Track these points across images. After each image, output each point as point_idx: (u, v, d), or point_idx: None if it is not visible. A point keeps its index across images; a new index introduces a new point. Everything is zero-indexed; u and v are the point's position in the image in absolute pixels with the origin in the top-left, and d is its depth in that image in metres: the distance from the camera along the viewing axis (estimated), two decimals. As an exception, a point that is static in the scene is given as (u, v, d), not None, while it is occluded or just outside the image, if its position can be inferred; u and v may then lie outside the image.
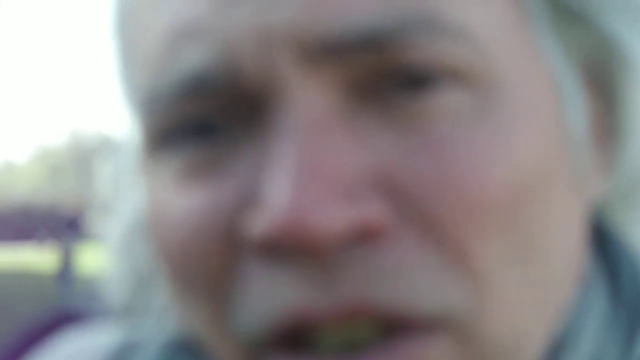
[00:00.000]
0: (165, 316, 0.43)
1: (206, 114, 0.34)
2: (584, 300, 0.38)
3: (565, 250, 0.36)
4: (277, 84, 0.32)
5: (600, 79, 0.38)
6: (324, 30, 0.32)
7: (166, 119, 0.35)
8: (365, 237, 0.31)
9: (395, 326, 0.32)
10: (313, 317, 0.32)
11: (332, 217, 0.30)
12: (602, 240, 0.40)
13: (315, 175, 0.31)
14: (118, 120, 0.43)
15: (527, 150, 0.33)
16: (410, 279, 0.32)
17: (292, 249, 0.31)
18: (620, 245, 0.40)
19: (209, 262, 0.34)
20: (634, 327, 0.38)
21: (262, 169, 0.32)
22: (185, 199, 0.35)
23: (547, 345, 0.36)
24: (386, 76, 0.32)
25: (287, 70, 0.32)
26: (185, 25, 0.34)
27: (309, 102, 0.32)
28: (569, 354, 0.37)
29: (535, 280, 0.34)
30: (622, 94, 0.38)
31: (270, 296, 0.32)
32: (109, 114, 0.46)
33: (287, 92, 0.32)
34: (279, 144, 0.32)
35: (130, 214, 0.43)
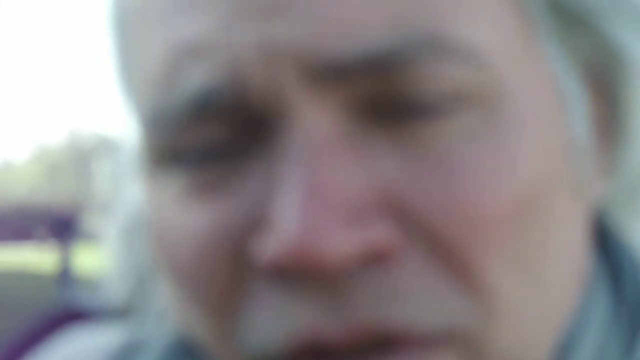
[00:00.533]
0: (167, 314, 0.43)
1: (212, 133, 0.34)
2: (586, 302, 0.39)
3: (570, 256, 0.36)
4: (283, 104, 0.32)
5: (602, 82, 0.38)
6: (331, 51, 0.32)
7: (172, 138, 0.35)
8: (373, 260, 0.32)
9: (406, 343, 0.32)
10: (324, 340, 0.32)
11: (341, 242, 0.31)
12: (604, 240, 0.41)
13: (322, 199, 0.31)
14: (116, 120, 0.43)
15: (533, 164, 0.34)
16: (418, 299, 0.32)
17: (301, 273, 0.31)
18: (621, 245, 0.41)
19: (216, 280, 0.34)
20: (636, 327, 0.39)
21: (269, 192, 0.32)
22: (192, 216, 0.35)
23: (551, 348, 0.37)
24: (393, 99, 0.32)
25: (293, 91, 0.32)
26: (188, 44, 0.33)
27: (315, 124, 0.32)
28: (572, 355, 0.37)
29: (541, 291, 0.35)
30: (624, 97, 0.38)
31: (280, 316, 0.33)
32: (107, 114, 0.46)
33: (293, 114, 0.32)
34: (286, 167, 0.32)
35: (129, 212, 0.43)
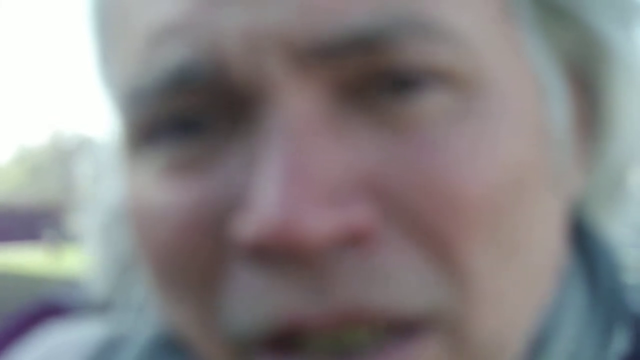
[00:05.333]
0: (148, 308, 0.43)
1: (192, 111, 0.34)
2: (562, 297, 0.39)
3: (546, 247, 0.36)
4: (266, 85, 0.32)
5: (583, 75, 0.38)
6: (316, 33, 0.32)
7: (150, 116, 0.35)
8: (352, 241, 0.32)
9: (388, 329, 0.32)
10: (306, 324, 0.32)
11: (320, 222, 0.31)
12: (581, 236, 0.41)
13: (302, 180, 0.31)
14: (98, 120, 0.43)
15: (512, 149, 0.34)
16: (399, 280, 0.32)
17: (280, 253, 0.31)
18: (597, 241, 0.41)
19: (195, 261, 0.34)
20: (610, 323, 0.39)
21: (249, 172, 0.32)
22: (170, 196, 0.34)
23: (527, 341, 0.37)
24: (374, 79, 0.33)
25: (276, 73, 0.32)
26: (169, 23, 0.33)
27: (297, 105, 0.32)
28: (549, 349, 0.38)
29: (518, 278, 0.35)
30: (604, 90, 0.38)
31: (260, 299, 0.33)
32: (89, 114, 0.46)
33: (275, 94, 0.32)
34: (267, 147, 0.32)
35: (109, 207, 0.44)
